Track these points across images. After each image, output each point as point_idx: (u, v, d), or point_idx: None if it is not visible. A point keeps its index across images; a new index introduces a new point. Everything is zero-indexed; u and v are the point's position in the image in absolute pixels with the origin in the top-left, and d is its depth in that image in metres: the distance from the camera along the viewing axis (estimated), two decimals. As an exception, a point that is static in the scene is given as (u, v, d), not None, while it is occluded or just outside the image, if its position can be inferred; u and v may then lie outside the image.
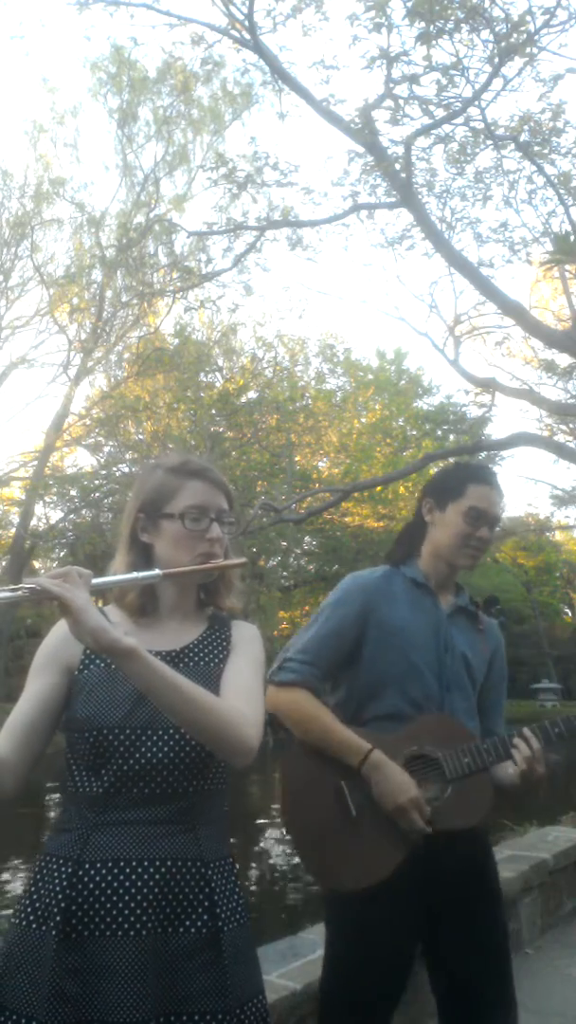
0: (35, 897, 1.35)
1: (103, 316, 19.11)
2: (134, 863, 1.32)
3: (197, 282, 11.74)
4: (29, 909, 1.35)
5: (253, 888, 7.68)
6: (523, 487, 54.24)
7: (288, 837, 2.10)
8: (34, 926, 1.33)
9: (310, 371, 23.51)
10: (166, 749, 1.36)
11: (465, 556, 2.07)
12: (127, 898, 1.30)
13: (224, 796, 1.47)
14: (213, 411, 19.65)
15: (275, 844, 9.51)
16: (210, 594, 1.59)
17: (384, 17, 7.39)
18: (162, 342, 19.95)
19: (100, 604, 1.51)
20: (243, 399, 19.96)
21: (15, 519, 20.39)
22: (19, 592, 1.22)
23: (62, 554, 21.06)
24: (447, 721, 1.96)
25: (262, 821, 10.60)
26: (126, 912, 1.30)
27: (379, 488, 17.19)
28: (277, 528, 16.04)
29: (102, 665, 1.44)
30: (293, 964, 2.67)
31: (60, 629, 1.50)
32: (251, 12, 8.00)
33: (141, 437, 20.92)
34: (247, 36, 8.30)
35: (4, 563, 20.39)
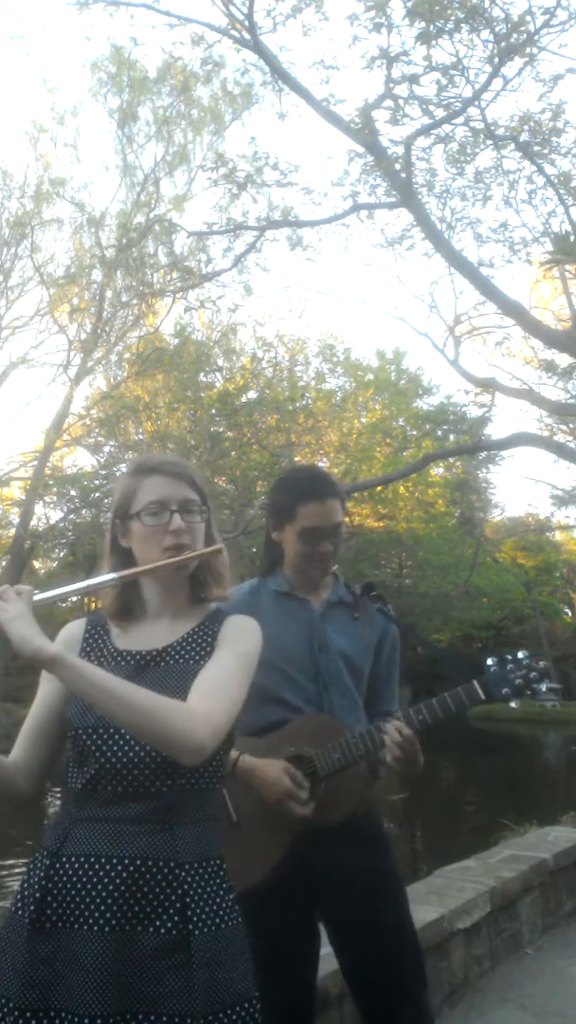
0: (24, 886, 1.40)
1: (103, 316, 19.12)
2: (103, 860, 1.34)
3: (197, 282, 11.75)
4: (18, 896, 1.40)
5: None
6: (523, 487, 54.30)
7: None
8: (19, 913, 1.37)
9: (310, 371, 23.54)
10: (137, 748, 1.37)
11: (313, 569, 2.11)
12: (94, 894, 1.32)
13: (213, 795, 1.46)
14: (213, 411, 19.66)
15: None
16: (201, 586, 1.57)
17: (384, 17, 7.39)
18: (162, 342, 19.96)
19: (94, 607, 1.53)
20: (243, 399, 19.96)
21: (15, 519, 20.40)
22: None
23: (62, 554, 21.09)
24: (321, 720, 2.02)
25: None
26: (92, 907, 1.32)
27: (379, 488, 17.18)
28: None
29: (96, 664, 1.47)
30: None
31: (63, 633, 1.56)
32: (251, 12, 8.00)
33: (141, 437, 20.93)
34: (247, 36, 8.30)
35: (4, 563, 20.40)
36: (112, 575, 1.40)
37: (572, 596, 33.56)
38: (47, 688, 1.50)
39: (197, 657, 1.47)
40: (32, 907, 1.35)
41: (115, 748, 1.38)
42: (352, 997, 2.09)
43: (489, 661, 1.98)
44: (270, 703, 2.04)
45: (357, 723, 2.06)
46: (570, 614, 34.27)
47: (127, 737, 1.37)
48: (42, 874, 1.37)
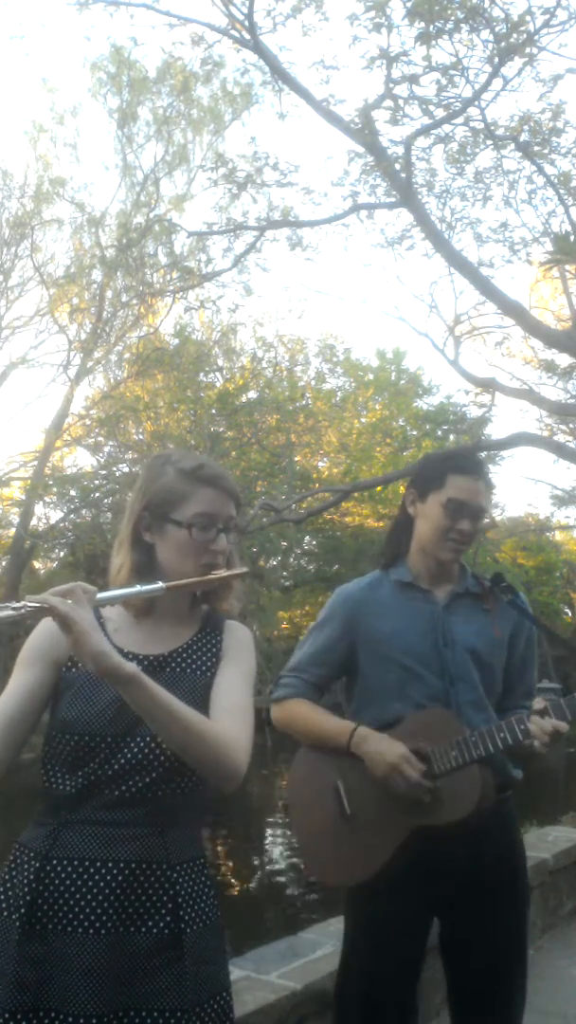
0: (8, 886, 1.38)
1: (103, 316, 19.09)
2: (98, 863, 1.34)
3: (197, 282, 11.75)
4: (1, 897, 1.38)
5: (253, 888, 7.68)
6: (523, 487, 54.23)
7: (295, 838, 2.21)
8: (5, 914, 1.36)
9: (310, 371, 23.53)
10: (140, 756, 1.37)
11: (446, 549, 2.02)
12: (88, 897, 1.32)
13: (199, 797, 1.46)
14: (213, 411, 19.65)
15: (275, 844, 9.52)
16: (208, 597, 1.56)
17: (384, 17, 7.40)
18: (162, 342, 19.94)
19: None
20: (243, 399, 19.95)
21: (15, 519, 20.38)
22: (22, 610, 1.20)
23: (62, 554, 21.06)
24: (440, 715, 1.96)
25: (264, 821, 10.60)
26: (87, 910, 1.32)
27: (379, 488, 17.17)
28: (277, 528, 16.01)
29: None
30: (293, 964, 2.68)
31: (50, 623, 1.48)
32: (251, 12, 8.00)
33: (141, 437, 20.92)
34: (247, 36, 8.30)
35: (4, 563, 20.39)
36: (160, 585, 1.36)
37: (572, 596, 33.54)
38: (28, 678, 1.43)
39: (204, 668, 1.48)
40: (23, 909, 1.33)
41: (118, 755, 1.37)
42: (448, 1005, 2.03)
43: None
44: (394, 699, 1.99)
45: (485, 721, 1.97)
46: (570, 614, 34.24)
47: (135, 744, 1.37)
48: (31, 876, 1.35)
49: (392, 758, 1.86)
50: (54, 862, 1.35)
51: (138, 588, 1.36)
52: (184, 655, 1.48)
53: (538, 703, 1.90)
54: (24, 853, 1.39)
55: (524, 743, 1.86)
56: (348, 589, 2.14)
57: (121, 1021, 1.30)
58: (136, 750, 1.37)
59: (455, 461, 2.06)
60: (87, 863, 1.34)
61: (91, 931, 1.31)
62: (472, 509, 2.00)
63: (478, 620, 2.05)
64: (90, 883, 1.33)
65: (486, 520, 2.10)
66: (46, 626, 1.48)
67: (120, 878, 1.33)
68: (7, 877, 1.40)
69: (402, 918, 1.92)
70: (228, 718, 1.39)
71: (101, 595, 1.29)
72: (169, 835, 1.39)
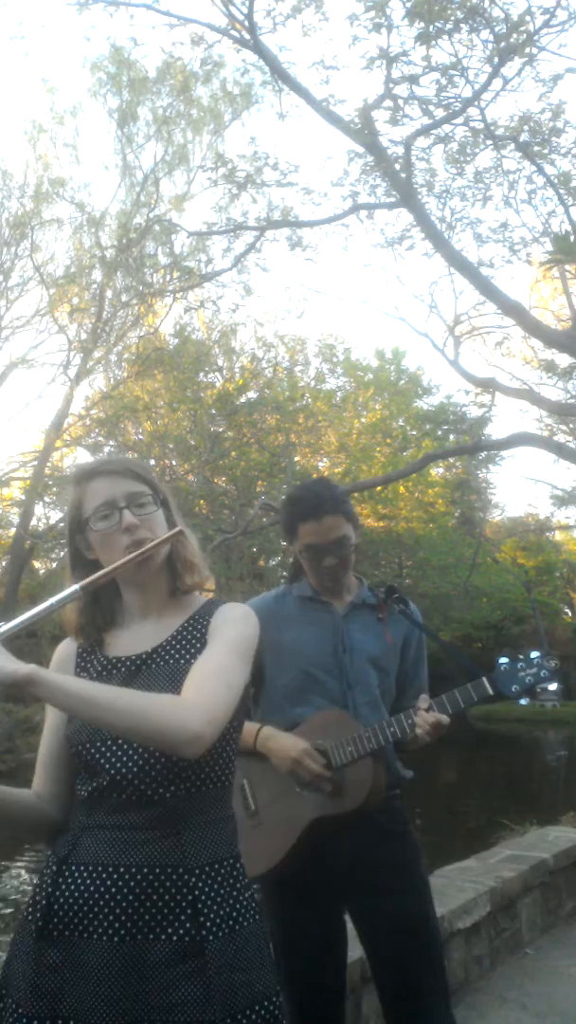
0: (35, 892, 1.39)
1: (103, 316, 19.09)
2: (111, 869, 1.32)
3: (197, 282, 11.75)
4: (29, 903, 1.39)
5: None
6: (523, 487, 54.26)
7: None
8: (29, 919, 1.36)
9: (310, 371, 23.54)
10: (135, 757, 1.35)
11: (326, 580, 2.18)
12: (102, 903, 1.30)
13: (223, 796, 1.42)
14: (213, 411, 19.65)
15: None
16: (177, 578, 1.50)
17: (384, 17, 7.39)
18: (161, 342, 19.95)
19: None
20: (243, 399, 19.95)
21: (15, 519, 20.38)
22: None
23: (62, 554, 21.04)
24: (336, 715, 2.09)
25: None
26: (100, 917, 1.30)
27: (379, 488, 17.17)
28: (277, 528, 16.02)
29: (88, 675, 1.47)
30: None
31: (58, 651, 1.55)
32: (251, 12, 8.00)
33: (141, 437, 20.93)
34: (247, 36, 8.29)
35: (4, 563, 20.39)
36: (74, 587, 1.34)
37: (572, 596, 33.54)
38: (53, 713, 1.48)
39: (188, 655, 1.43)
40: (39, 914, 1.33)
41: (114, 759, 1.36)
42: (377, 992, 2.13)
43: (501, 659, 2.02)
44: (296, 703, 2.12)
45: (379, 719, 2.10)
46: (570, 614, 34.24)
47: (125, 747, 1.36)
48: (49, 880, 1.36)
49: (295, 753, 1.99)
50: (72, 867, 1.35)
51: (51, 601, 1.33)
52: (168, 648, 1.45)
53: (423, 701, 2.03)
54: (50, 859, 1.40)
55: (411, 735, 2.02)
56: (257, 602, 2.25)
57: None
58: (132, 752, 1.36)
59: (298, 509, 2.18)
60: (100, 868, 1.32)
61: (104, 938, 1.28)
62: (326, 547, 2.13)
63: (373, 629, 2.20)
64: (102, 888, 1.31)
65: (352, 542, 2.19)
66: (54, 657, 1.53)
67: (132, 884, 1.30)
68: (37, 884, 1.41)
69: (310, 916, 2.03)
70: (191, 684, 1.32)
71: (3, 627, 1.27)
72: (185, 837, 1.34)
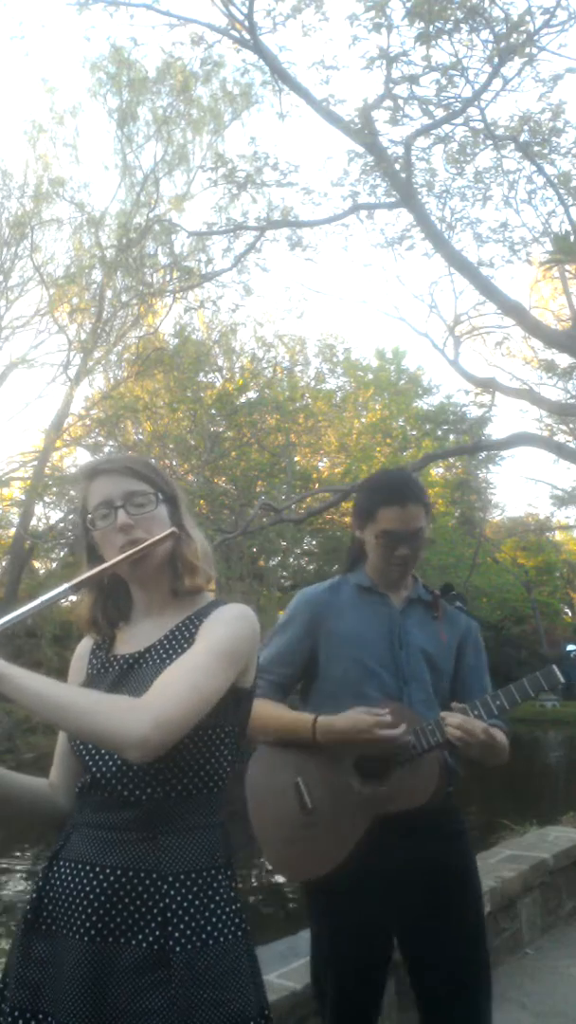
0: (32, 887, 1.42)
1: (103, 316, 19.09)
2: (89, 867, 1.32)
3: (197, 282, 11.75)
4: (27, 899, 1.42)
5: (253, 888, 7.68)
6: (523, 487, 54.26)
7: (255, 833, 2.19)
8: (23, 914, 1.39)
9: (310, 371, 23.54)
10: (116, 757, 1.34)
11: (392, 572, 2.13)
12: (80, 898, 1.31)
13: (208, 803, 1.37)
14: (213, 411, 19.66)
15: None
16: (178, 580, 1.47)
17: (384, 17, 7.40)
18: (161, 342, 19.95)
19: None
20: (243, 399, 19.95)
21: (15, 519, 20.38)
22: None
23: (62, 554, 21.06)
24: (395, 708, 2.01)
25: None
26: (78, 913, 1.30)
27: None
28: (277, 528, 16.03)
29: (93, 667, 1.50)
30: (293, 964, 2.68)
31: (78, 649, 1.57)
32: (251, 12, 8.00)
33: (141, 437, 20.93)
34: (247, 36, 8.30)
35: (4, 563, 20.39)
36: (67, 585, 1.36)
37: (572, 596, 33.54)
38: None
39: (175, 655, 1.39)
40: (30, 908, 1.36)
41: (96, 757, 1.37)
42: (414, 999, 2.05)
43: (569, 647, 1.99)
44: (351, 696, 2.04)
45: (434, 718, 2.04)
46: (570, 614, 34.24)
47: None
48: (41, 875, 1.38)
49: (364, 725, 1.92)
50: (60, 862, 1.37)
51: (42, 598, 1.34)
52: (158, 648, 1.44)
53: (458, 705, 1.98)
54: (48, 855, 1.43)
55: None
56: (310, 592, 2.22)
57: None
58: (108, 753, 1.35)
59: (383, 494, 2.14)
60: (82, 865, 1.33)
61: (77, 936, 1.29)
62: (404, 535, 2.09)
63: (429, 626, 2.15)
64: (82, 885, 1.32)
65: (427, 537, 2.16)
66: (76, 651, 1.56)
67: (106, 884, 1.29)
68: (35, 879, 1.43)
69: (361, 923, 1.96)
70: (156, 685, 1.29)
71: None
72: (162, 842, 1.31)
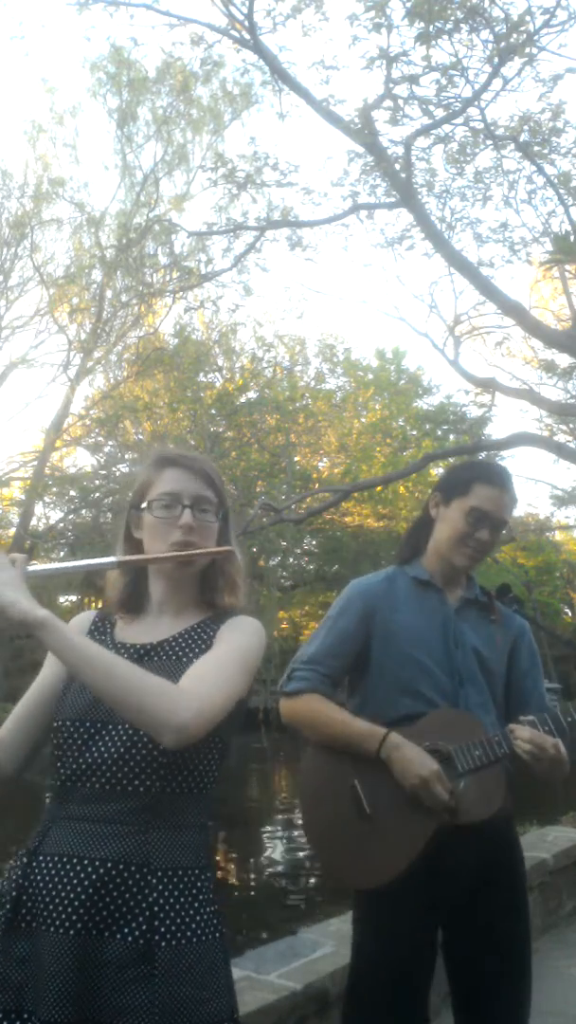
0: (4, 884, 1.37)
1: (103, 316, 19.09)
2: (75, 860, 1.30)
3: (197, 282, 11.76)
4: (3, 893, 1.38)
5: (253, 888, 7.68)
6: (523, 487, 54.22)
7: (306, 838, 2.12)
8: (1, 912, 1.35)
9: (310, 371, 23.55)
10: (118, 744, 1.34)
11: (463, 556, 2.03)
12: (63, 894, 1.29)
13: (195, 801, 1.38)
14: (213, 411, 19.67)
15: (275, 844, 9.52)
16: (211, 590, 1.51)
17: (384, 17, 7.40)
18: (161, 342, 19.95)
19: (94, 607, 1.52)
20: (243, 399, 19.96)
21: (15, 519, 20.39)
22: None
23: (62, 554, 21.06)
24: (458, 715, 1.95)
25: (264, 821, 10.59)
26: (60, 909, 1.28)
27: (379, 488, 17.18)
28: (277, 528, 16.03)
29: None
30: (293, 964, 2.67)
31: (72, 622, 1.54)
32: (251, 12, 8.01)
33: (141, 437, 20.93)
34: (247, 36, 8.30)
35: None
36: (112, 559, 1.38)
37: (572, 596, 33.53)
38: (44, 674, 1.48)
39: (192, 653, 1.42)
40: (8, 906, 1.32)
41: (98, 743, 1.35)
42: (452, 1004, 2.00)
43: None
44: (405, 694, 1.97)
45: (492, 723, 1.98)
46: (570, 614, 34.24)
47: (110, 734, 1.35)
48: (20, 872, 1.34)
49: (425, 773, 1.83)
50: (40, 858, 1.33)
51: (86, 561, 1.38)
52: (174, 643, 1.45)
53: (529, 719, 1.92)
54: (22, 850, 1.38)
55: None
56: (365, 582, 2.13)
57: None
58: (115, 739, 1.34)
59: (483, 470, 2.09)
60: (66, 859, 1.31)
61: (61, 931, 1.26)
62: (493, 520, 2.02)
63: (485, 628, 2.06)
64: (65, 880, 1.29)
65: (504, 533, 2.09)
66: (72, 624, 1.53)
67: (95, 877, 1.28)
68: (6, 876, 1.38)
69: (409, 921, 1.89)
70: (187, 679, 1.33)
71: (34, 568, 1.30)
72: (152, 836, 1.32)
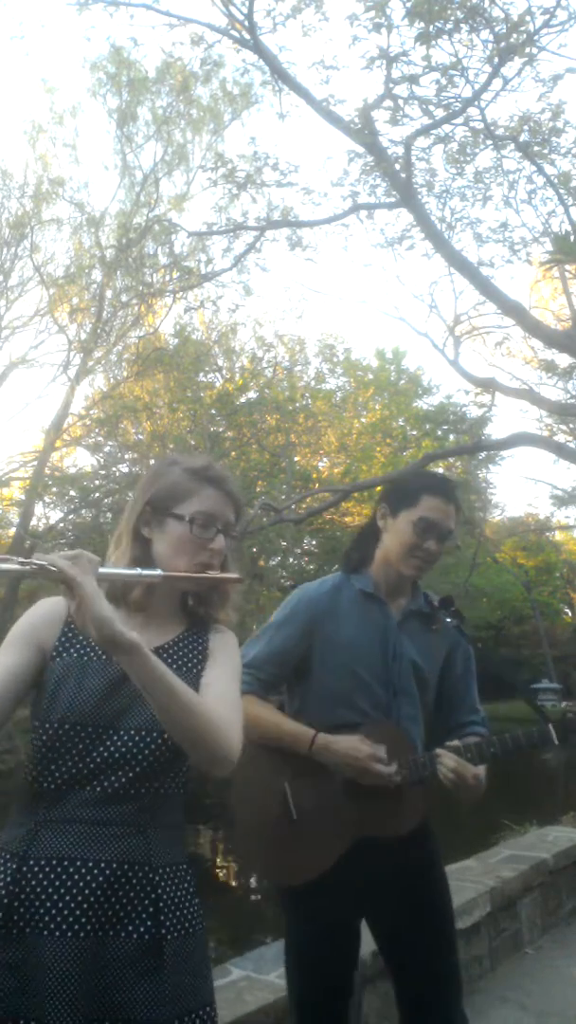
0: None
1: (103, 316, 19.08)
2: (78, 863, 1.30)
3: (197, 282, 11.75)
4: None
5: (253, 888, 7.68)
6: (523, 487, 54.23)
7: (236, 832, 2.21)
8: None
9: (310, 371, 23.54)
10: (124, 750, 1.35)
11: (410, 566, 2.10)
12: (67, 898, 1.28)
13: (179, 801, 1.44)
14: (213, 411, 19.66)
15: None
16: (203, 603, 1.55)
17: (384, 17, 7.40)
18: (161, 342, 19.94)
19: None
20: (243, 399, 19.96)
21: (15, 519, 20.38)
22: (28, 566, 1.19)
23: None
24: (391, 730, 2.03)
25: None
26: (65, 912, 1.28)
27: (379, 488, 17.17)
28: (277, 528, 16.02)
29: (79, 654, 1.42)
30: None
31: (42, 608, 1.48)
32: (251, 12, 8.00)
33: (141, 437, 20.93)
34: (247, 36, 8.29)
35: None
36: (159, 572, 1.39)
37: (572, 596, 33.55)
38: (13, 659, 1.39)
39: (192, 663, 1.46)
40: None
41: (101, 748, 1.35)
42: (396, 1003, 2.09)
43: (542, 685, 2.02)
44: (340, 705, 2.05)
45: (419, 735, 2.09)
46: (570, 614, 34.26)
47: (116, 737, 1.35)
48: (8, 878, 1.31)
49: (360, 755, 1.93)
50: (31, 863, 1.31)
51: (138, 571, 1.37)
52: (172, 650, 1.47)
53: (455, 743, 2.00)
54: (2, 855, 1.35)
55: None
56: (312, 591, 2.17)
57: None
58: (120, 743, 1.35)
59: (430, 481, 2.15)
60: (66, 863, 1.30)
61: (69, 934, 1.26)
62: (441, 530, 2.07)
63: (424, 639, 2.13)
64: (68, 884, 1.29)
65: (449, 542, 2.15)
66: (37, 611, 1.47)
67: (101, 879, 1.29)
68: None
69: (334, 925, 1.98)
70: (220, 705, 1.36)
71: (103, 569, 1.28)
72: (151, 836, 1.36)
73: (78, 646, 1.43)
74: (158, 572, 1.38)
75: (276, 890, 2.14)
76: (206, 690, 1.41)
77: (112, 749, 1.35)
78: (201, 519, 1.46)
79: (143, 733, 1.36)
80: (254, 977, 2.53)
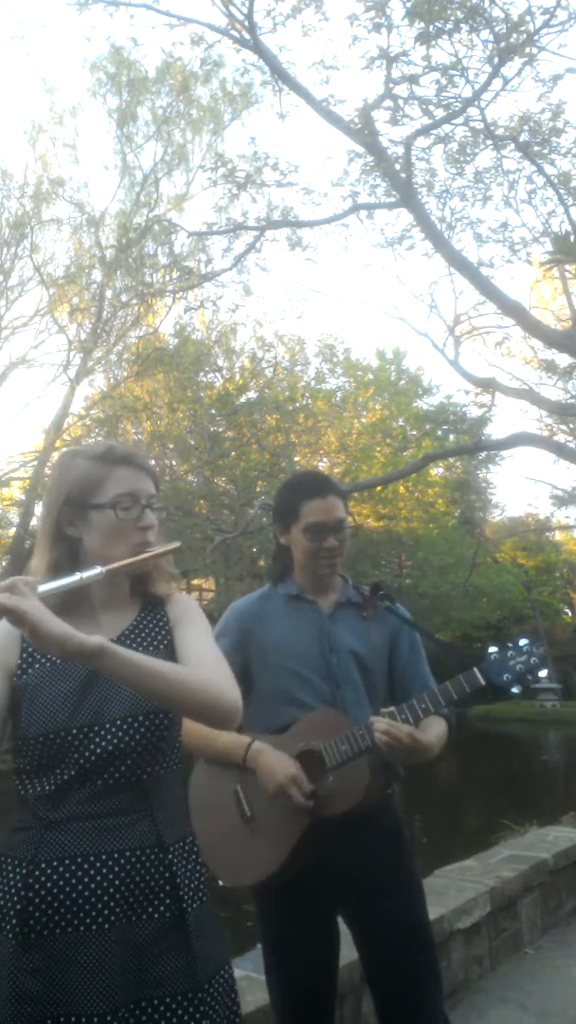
0: (2, 898, 1.32)
1: (103, 316, 19.07)
2: (92, 858, 1.31)
3: (197, 282, 11.75)
4: None
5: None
6: (523, 487, 54.25)
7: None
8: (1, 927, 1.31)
9: (310, 371, 23.55)
10: (115, 742, 1.35)
11: (321, 567, 2.16)
12: (87, 894, 1.29)
13: (178, 776, 1.46)
14: (213, 411, 19.67)
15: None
16: (141, 581, 1.53)
17: (384, 17, 7.40)
18: (161, 342, 19.94)
19: None
20: (243, 399, 19.97)
21: (15, 519, 20.38)
22: None
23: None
24: (326, 715, 2.06)
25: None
26: (87, 907, 1.29)
27: (379, 488, 17.18)
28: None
29: (42, 666, 1.41)
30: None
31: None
32: (251, 12, 8.00)
33: (141, 437, 20.94)
34: (247, 36, 8.30)
35: (4, 563, 20.39)
36: (99, 569, 1.33)
37: (572, 596, 33.54)
38: None
39: (157, 641, 1.46)
40: (14, 920, 1.29)
41: (92, 745, 1.34)
42: (371, 995, 2.12)
43: (490, 648, 2.00)
44: (287, 703, 2.10)
45: (365, 718, 2.06)
46: (570, 614, 34.24)
47: (104, 731, 1.35)
48: (20, 883, 1.30)
49: (281, 778, 1.95)
50: (43, 866, 1.30)
51: (79, 576, 1.33)
52: (134, 633, 1.46)
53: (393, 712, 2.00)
54: (6, 862, 1.34)
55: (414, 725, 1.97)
56: (241, 604, 2.26)
57: (133, 1013, 1.27)
58: (109, 737, 1.35)
59: (300, 487, 2.19)
60: (80, 860, 1.30)
61: (94, 927, 1.28)
62: (331, 525, 2.13)
63: (359, 627, 2.18)
64: (86, 880, 1.29)
65: (347, 528, 2.19)
66: None
67: (117, 868, 1.31)
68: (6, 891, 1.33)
69: (308, 915, 2.02)
70: (204, 665, 1.39)
71: (43, 588, 1.26)
72: (159, 817, 1.38)
73: (40, 659, 1.42)
74: (99, 570, 1.34)
75: (251, 895, 2.15)
76: (186, 655, 1.42)
77: (103, 744, 1.35)
78: (123, 502, 1.43)
79: (129, 720, 1.36)
80: (254, 977, 2.53)
